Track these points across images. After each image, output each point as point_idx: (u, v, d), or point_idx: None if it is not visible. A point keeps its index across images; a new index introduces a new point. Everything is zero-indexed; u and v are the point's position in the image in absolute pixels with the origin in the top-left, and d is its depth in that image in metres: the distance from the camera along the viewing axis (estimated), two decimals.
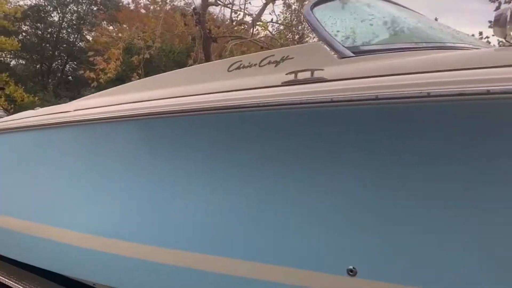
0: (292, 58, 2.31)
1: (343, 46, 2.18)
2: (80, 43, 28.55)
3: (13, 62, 29.06)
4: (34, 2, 27.08)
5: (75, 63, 29.64)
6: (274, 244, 2.25)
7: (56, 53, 29.33)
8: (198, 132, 2.44)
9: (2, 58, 27.78)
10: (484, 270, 1.80)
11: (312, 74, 2.03)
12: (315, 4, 2.43)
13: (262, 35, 18.49)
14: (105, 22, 26.01)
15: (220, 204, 2.38)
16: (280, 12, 18.67)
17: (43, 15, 27.93)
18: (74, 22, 28.58)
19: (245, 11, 18.80)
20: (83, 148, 3.12)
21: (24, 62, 29.71)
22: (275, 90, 2.09)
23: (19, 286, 3.69)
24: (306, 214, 2.15)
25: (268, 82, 2.20)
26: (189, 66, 14.94)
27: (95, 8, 28.96)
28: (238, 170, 2.27)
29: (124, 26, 21.17)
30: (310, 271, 2.14)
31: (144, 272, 2.70)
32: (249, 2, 18.39)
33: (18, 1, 27.84)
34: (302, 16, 26.96)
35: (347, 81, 1.95)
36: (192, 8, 17.65)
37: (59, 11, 28.18)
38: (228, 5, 18.43)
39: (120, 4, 24.51)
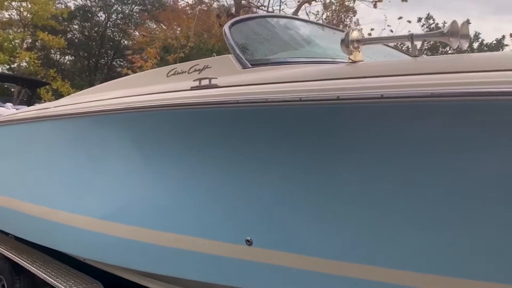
0: (210, 67, 2.84)
1: (245, 59, 2.70)
2: (125, 41, 29.88)
3: (61, 59, 30.71)
4: (81, 3, 28.66)
5: (121, 60, 30.98)
6: (190, 221, 2.80)
7: (103, 51, 30.81)
8: (136, 127, 3.02)
9: (52, 55, 29.56)
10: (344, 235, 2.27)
11: (209, 81, 2.56)
12: (233, 24, 2.96)
13: None
14: (148, 21, 27.20)
15: (150, 188, 2.97)
16: (316, 12, 19.00)
17: (89, 15, 29.46)
18: (119, 22, 29.94)
19: (280, 12, 19.33)
20: (66, 140, 3.77)
21: (71, 59, 31.45)
22: (182, 93, 2.64)
23: (18, 258, 4.37)
24: (215, 196, 2.69)
25: (186, 86, 2.75)
26: None
27: (138, 8, 30.19)
28: (158, 158, 2.84)
29: (163, 26, 22.13)
30: (217, 241, 2.68)
31: (128, 249, 3.26)
32: (285, 4, 18.89)
33: (67, 2, 29.51)
34: (341, 16, 27.15)
35: (236, 87, 2.47)
36: (226, 10, 18.39)
37: (104, 11, 29.64)
38: (261, 7, 19.02)
39: (167, 3, 25.45)
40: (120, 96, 3.11)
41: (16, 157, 4.45)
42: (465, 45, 2.04)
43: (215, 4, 18.91)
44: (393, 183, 2.06)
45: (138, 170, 3.06)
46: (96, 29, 30.00)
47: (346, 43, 2.21)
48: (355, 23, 25.74)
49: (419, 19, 24.57)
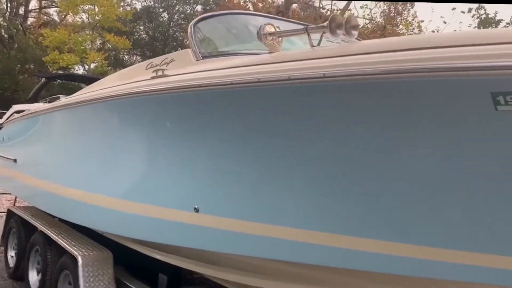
0: (175, 60, 3.30)
1: (198, 52, 3.14)
2: (186, 40, 31.00)
3: (126, 58, 32.38)
4: (145, 4, 30.14)
5: None
6: (151, 192, 3.29)
7: (166, 50, 32.16)
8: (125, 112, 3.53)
9: (120, 56, 31.26)
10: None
11: (162, 72, 3.02)
12: (197, 21, 3.41)
13: None
14: None
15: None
16: (364, 5, 18.96)
17: (154, 16, 30.88)
18: (182, 22, 31.12)
19: (331, 7, 19.47)
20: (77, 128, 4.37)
21: (139, 59, 33.05)
22: (143, 82, 3.12)
23: (48, 231, 5.03)
24: (170, 173, 3.15)
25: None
26: None
27: (201, 7, 31.27)
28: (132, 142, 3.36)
29: None
30: (170, 209, 3.14)
31: (121, 220, 3.80)
32: None
33: (134, 4, 31.10)
34: (398, 8, 26.74)
35: (183, 75, 2.91)
36: (277, 6, 18.82)
37: (167, 12, 30.95)
38: (310, 2, 19.24)
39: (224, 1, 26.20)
40: (112, 86, 3.65)
41: (57, 143, 5.08)
42: (354, 35, 2.34)
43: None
44: (293, 156, 2.42)
45: (124, 153, 3.59)
46: (160, 29, 31.37)
47: (259, 36, 2.60)
48: (412, 15, 25.31)
49: (469, 10, 23.46)
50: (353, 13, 18.19)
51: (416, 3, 23.72)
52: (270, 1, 19.13)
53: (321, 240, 2.41)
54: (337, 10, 18.58)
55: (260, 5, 18.10)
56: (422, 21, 20.91)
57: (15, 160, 5.68)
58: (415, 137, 2.00)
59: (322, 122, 2.29)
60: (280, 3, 18.59)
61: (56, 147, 4.67)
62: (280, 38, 2.61)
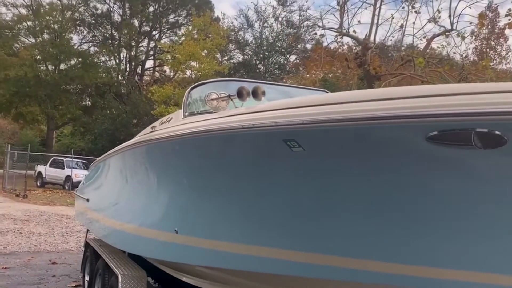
0: (172, 118, 4.31)
1: (184, 112, 4.11)
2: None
3: None
4: (242, 58, 32.42)
5: None
6: (141, 216, 4.25)
7: None
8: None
9: None
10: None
11: (154, 128, 4.03)
12: (192, 88, 4.39)
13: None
14: (297, 69, 29.60)
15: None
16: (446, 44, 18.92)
17: (250, 68, 33.04)
18: (276, 71, 32.92)
19: (411, 51, 19.74)
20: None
21: None
22: (145, 136, 4.14)
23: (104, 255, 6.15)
24: (162, 205, 4.08)
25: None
26: None
27: (293, 58, 32.96)
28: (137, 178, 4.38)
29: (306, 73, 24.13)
30: (155, 230, 4.06)
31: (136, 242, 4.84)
32: (419, 39, 19.23)
33: (234, 56, 33.53)
34: (491, 44, 25.95)
35: (165, 129, 3.88)
36: (355, 53, 19.54)
37: (262, 64, 32.98)
38: (386, 47, 19.68)
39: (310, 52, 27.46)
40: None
41: (110, 185, 6.29)
42: (261, 99, 3.14)
43: (345, 47, 20.12)
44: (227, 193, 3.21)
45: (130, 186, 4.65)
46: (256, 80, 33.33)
47: (204, 101, 3.51)
48: (506, 49, 24.56)
49: None
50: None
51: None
52: (347, 48, 19.94)
53: (253, 251, 3.13)
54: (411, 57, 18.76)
55: (340, 50, 18.97)
56: None
57: (87, 200, 7.01)
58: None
59: (239, 165, 3.07)
60: (358, 50, 19.32)
61: (110, 188, 5.86)
62: (225, 101, 3.48)
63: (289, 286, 3.00)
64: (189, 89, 4.42)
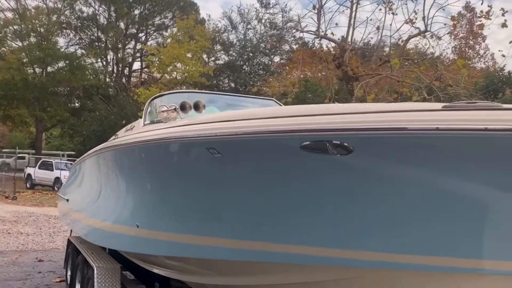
0: (134, 126, 4.89)
1: (144, 121, 4.69)
2: (264, 88, 33.39)
3: None
4: (227, 59, 33.07)
5: None
6: (113, 214, 4.82)
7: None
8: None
9: None
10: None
11: (117, 135, 4.60)
12: (152, 99, 4.97)
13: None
14: (280, 70, 30.27)
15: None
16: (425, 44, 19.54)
17: (235, 69, 33.70)
18: (261, 71, 33.58)
19: (390, 53, 20.38)
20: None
21: None
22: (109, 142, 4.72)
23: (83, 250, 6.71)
24: (123, 201, 4.65)
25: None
26: (325, 103, 17.10)
27: (278, 59, 33.64)
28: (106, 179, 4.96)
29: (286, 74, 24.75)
30: (123, 226, 4.63)
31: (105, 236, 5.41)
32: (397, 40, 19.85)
33: (219, 57, 34.11)
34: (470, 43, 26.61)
35: (126, 137, 4.46)
36: (333, 54, 20.17)
37: (247, 64, 33.64)
38: (365, 49, 20.33)
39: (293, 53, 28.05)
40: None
41: (85, 185, 6.87)
42: (201, 111, 3.74)
43: (324, 49, 20.69)
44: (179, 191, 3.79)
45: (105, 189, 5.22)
46: (241, 80, 34.03)
47: (156, 112, 4.09)
48: (484, 48, 25.36)
49: None
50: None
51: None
52: (326, 50, 20.53)
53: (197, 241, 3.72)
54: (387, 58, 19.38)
55: (318, 52, 19.57)
56: (501, 50, 20.70)
57: (67, 200, 7.57)
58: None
59: (181, 168, 3.61)
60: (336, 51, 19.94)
61: (85, 189, 6.42)
62: (175, 112, 4.07)
63: (229, 270, 3.57)
64: (149, 99, 5.01)
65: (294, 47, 32.02)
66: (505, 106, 1.89)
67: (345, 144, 2.22)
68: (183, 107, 3.73)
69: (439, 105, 1.98)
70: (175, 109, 3.91)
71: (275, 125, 2.43)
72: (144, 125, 4.67)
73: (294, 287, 2.96)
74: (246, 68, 34.37)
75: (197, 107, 3.77)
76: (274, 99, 5.85)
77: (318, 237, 2.54)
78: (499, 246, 2.23)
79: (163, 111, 4.05)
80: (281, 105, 5.62)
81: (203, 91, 5.94)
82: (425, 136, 1.92)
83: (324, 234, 2.51)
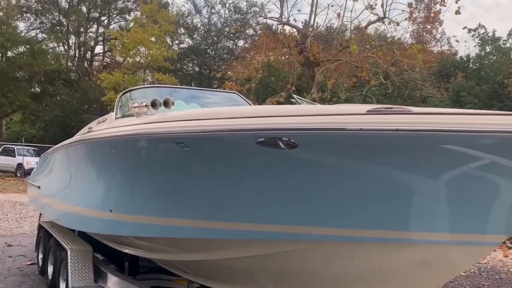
0: (106, 119, 5.24)
1: (116, 114, 5.05)
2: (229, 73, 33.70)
3: None
4: (191, 43, 33.12)
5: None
6: (85, 199, 5.18)
7: (211, 82, 34.95)
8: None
9: None
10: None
11: (90, 128, 4.96)
12: (123, 93, 5.32)
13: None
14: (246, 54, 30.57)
15: None
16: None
17: (200, 53, 33.79)
18: (225, 56, 33.78)
19: (350, 38, 20.97)
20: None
21: None
22: (82, 136, 5.06)
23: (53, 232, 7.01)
24: (95, 188, 5.01)
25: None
26: (287, 90, 17.58)
27: (242, 43, 33.88)
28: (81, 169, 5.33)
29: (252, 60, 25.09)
30: (96, 210, 4.99)
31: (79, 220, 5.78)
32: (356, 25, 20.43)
33: (183, 40, 34.04)
34: (427, 27, 27.46)
35: (98, 130, 4.82)
36: (295, 40, 20.66)
37: (211, 49, 33.78)
38: (324, 36, 20.88)
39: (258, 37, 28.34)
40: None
41: (57, 174, 7.17)
42: (170, 108, 4.14)
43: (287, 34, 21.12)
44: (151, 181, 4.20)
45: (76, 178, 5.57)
46: (205, 65, 34.18)
47: (128, 108, 4.46)
48: (441, 33, 26.34)
49: (469, 30, 20.06)
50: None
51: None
52: (289, 36, 20.99)
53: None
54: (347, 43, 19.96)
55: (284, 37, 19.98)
56: (455, 36, 21.59)
57: (39, 187, 7.84)
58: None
59: (151, 159, 4.01)
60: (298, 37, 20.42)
61: (58, 176, 6.73)
62: (146, 108, 4.44)
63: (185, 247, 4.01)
64: (120, 94, 5.35)
65: (258, 32, 32.46)
66: (414, 110, 2.41)
67: (292, 140, 2.70)
68: (154, 104, 4.11)
69: (364, 109, 2.47)
70: (146, 105, 4.29)
71: (236, 124, 2.90)
72: (116, 118, 5.03)
73: (251, 260, 3.45)
74: (211, 52, 34.51)
75: (166, 104, 4.16)
76: (237, 92, 6.28)
77: (271, 215, 3.03)
78: (419, 220, 2.77)
79: (134, 107, 4.42)
80: (243, 99, 6.07)
81: (171, 85, 6.25)
82: (351, 135, 2.42)
83: (275, 213, 3.01)
